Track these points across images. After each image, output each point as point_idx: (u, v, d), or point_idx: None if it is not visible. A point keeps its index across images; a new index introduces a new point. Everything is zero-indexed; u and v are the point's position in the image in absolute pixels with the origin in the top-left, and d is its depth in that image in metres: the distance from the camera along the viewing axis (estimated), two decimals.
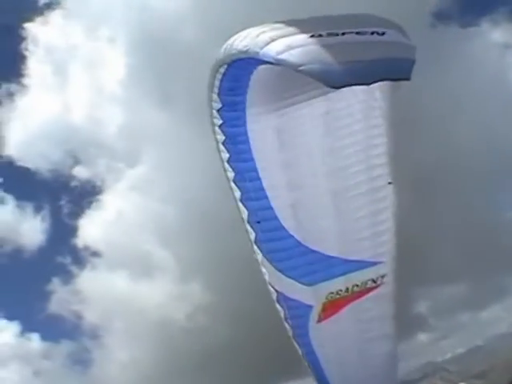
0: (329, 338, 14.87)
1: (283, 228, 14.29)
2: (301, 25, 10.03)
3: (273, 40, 9.56)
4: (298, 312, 14.98)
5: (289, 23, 10.21)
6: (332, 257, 14.35)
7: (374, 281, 14.29)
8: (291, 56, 8.99)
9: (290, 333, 15.28)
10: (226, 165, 14.07)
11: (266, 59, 9.72)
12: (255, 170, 13.87)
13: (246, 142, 13.54)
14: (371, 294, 14.37)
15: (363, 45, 9.40)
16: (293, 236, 14.32)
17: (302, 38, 9.37)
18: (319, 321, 14.55)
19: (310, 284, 14.45)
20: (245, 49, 10.31)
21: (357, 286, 14.21)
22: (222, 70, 12.12)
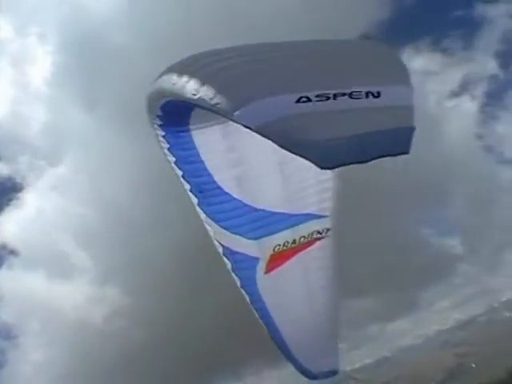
0: (277, 287, 15.58)
1: (227, 194, 14.73)
2: (281, 72, 9.13)
3: (249, 99, 8.38)
4: (245, 264, 15.47)
5: (267, 65, 9.36)
6: (278, 213, 14.88)
7: (319, 232, 15.06)
8: (274, 130, 7.83)
9: (238, 283, 15.89)
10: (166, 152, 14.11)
11: (239, 123, 8.33)
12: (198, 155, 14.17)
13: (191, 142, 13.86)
14: (317, 244, 15.18)
15: (356, 114, 8.46)
16: (236, 199, 14.86)
17: (286, 102, 8.20)
18: (267, 272, 15.32)
19: (256, 238, 15.06)
20: (203, 97, 8.86)
21: (304, 237, 14.92)
22: (162, 102, 11.92)
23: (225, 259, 15.61)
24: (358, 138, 7.77)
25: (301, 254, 15.17)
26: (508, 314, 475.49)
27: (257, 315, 16.19)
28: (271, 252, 15.00)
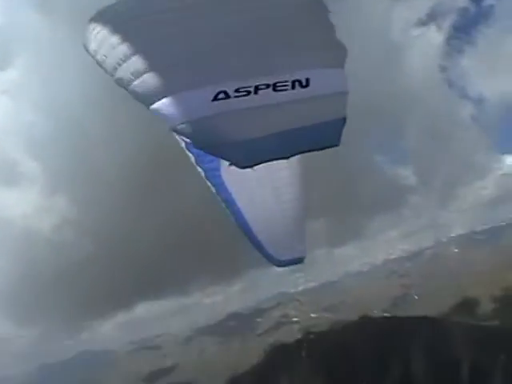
0: (241, 179, 14.94)
1: None
2: (198, 62, 8.33)
3: (164, 96, 7.89)
4: (211, 157, 13.95)
5: (180, 45, 8.69)
6: None
7: None
8: (191, 130, 7.48)
9: (203, 174, 15.42)
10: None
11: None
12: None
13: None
14: None
15: (280, 109, 7.53)
16: None
17: (203, 100, 7.55)
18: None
19: None
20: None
21: None
22: None
23: (187, 153, 14.93)
24: (281, 135, 7.38)
25: None
26: (456, 250, 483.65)
27: (224, 206, 15.72)
28: None
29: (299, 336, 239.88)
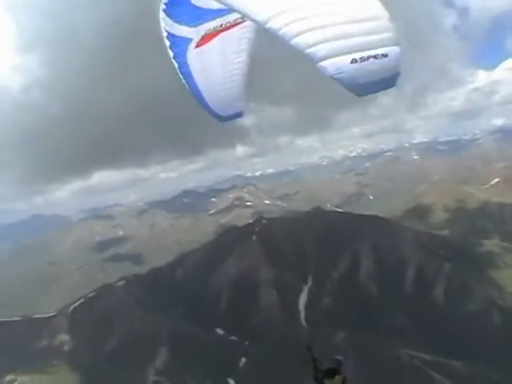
0: (202, 57, 17.77)
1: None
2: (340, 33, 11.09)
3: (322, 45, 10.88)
4: (182, 43, 17.68)
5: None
6: (216, 9, 17.23)
7: (241, 18, 16.69)
8: (346, 74, 10.77)
9: (171, 54, 17.55)
10: None
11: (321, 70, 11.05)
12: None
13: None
14: (239, 26, 17.18)
15: (377, 67, 11.04)
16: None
17: (348, 58, 10.85)
18: (197, 47, 17.61)
19: (195, 26, 17.56)
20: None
21: (229, 22, 17.21)
22: None
23: (166, 41, 17.68)
24: (376, 81, 11.09)
25: (225, 32, 17.63)
26: (416, 157, 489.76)
27: (183, 79, 17.98)
28: (203, 33, 17.55)
29: (251, 220, 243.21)
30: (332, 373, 19.04)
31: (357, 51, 11.43)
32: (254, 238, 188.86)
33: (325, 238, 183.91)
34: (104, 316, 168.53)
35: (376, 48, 11.56)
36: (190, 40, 17.78)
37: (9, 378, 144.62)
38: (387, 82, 11.49)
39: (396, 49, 12.15)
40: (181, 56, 18.03)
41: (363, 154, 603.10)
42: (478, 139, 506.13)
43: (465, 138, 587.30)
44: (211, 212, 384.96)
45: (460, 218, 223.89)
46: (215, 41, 17.77)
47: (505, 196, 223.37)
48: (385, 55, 11.37)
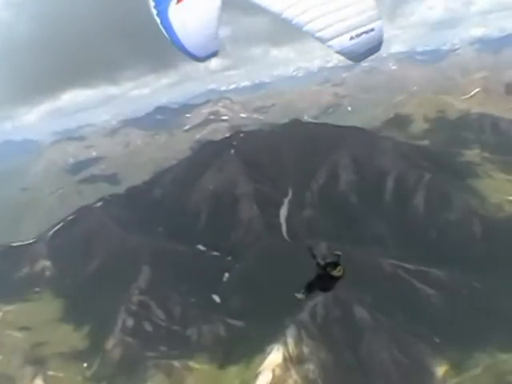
0: (182, 12, 18.26)
1: None
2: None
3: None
4: (165, 1, 18.31)
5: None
6: None
7: None
8: (347, 49, 16.19)
9: (157, 20, 18.54)
10: None
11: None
12: None
13: None
14: None
15: (368, 39, 16.14)
16: None
17: (347, 37, 15.98)
18: (178, 2, 18.14)
19: None
20: None
21: None
22: None
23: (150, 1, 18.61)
24: (367, 50, 16.50)
25: None
26: (393, 67, 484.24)
27: (164, 32, 18.63)
28: None
29: (228, 134, 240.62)
30: (334, 265, 23.06)
31: (353, 30, 15.86)
32: (232, 151, 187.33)
33: (303, 149, 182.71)
34: (84, 238, 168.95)
35: (366, 25, 16.11)
36: None
37: None
38: (375, 48, 16.56)
39: (379, 22, 16.98)
40: (163, 13, 18.79)
41: (340, 64, 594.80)
42: (456, 49, 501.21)
43: (443, 48, 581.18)
44: (186, 128, 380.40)
45: (440, 128, 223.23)
46: None
47: (484, 106, 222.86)
48: (372, 29, 16.06)
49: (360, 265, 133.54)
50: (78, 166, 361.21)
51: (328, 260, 23.50)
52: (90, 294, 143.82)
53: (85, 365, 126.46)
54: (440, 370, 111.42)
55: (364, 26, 16.36)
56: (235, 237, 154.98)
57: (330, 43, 16.16)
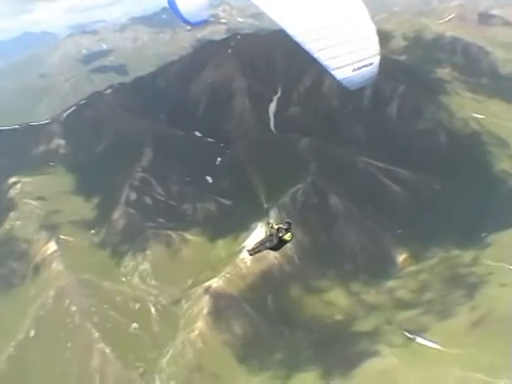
0: None
1: None
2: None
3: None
4: None
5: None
6: None
7: None
8: (348, 79, 16.80)
9: None
10: None
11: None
12: None
13: None
14: None
15: (366, 72, 16.73)
16: None
17: (350, 68, 16.53)
18: None
19: None
20: None
21: None
22: None
23: None
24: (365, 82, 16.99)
25: None
26: None
27: None
28: None
29: (226, 36, 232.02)
30: (285, 230, 24.52)
31: (355, 63, 16.18)
32: (229, 51, 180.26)
33: (293, 54, 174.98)
34: (94, 121, 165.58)
35: (367, 59, 16.78)
36: None
37: (13, 179, 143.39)
38: (370, 80, 17.11)
39: (378, 58, 17.37)
40: None
41: None
42: None
43: None
44: (188, 28, 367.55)
45: (416, 46, 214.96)
46: None
47: (457, 31, 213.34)
48: (371, 64, 16.84)
49: (337, 160, 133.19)
50: (90, 57, 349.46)
51: (281, 225, 24.71)
52: (98, 169, 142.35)
53: (92, 231, 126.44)
54: (400, 258, 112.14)
55: (365, 59, 16.79)
56: (228, 126, 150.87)
57: (334, 72, 16.33)
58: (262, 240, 25.68)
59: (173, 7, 18.48)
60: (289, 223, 24.69)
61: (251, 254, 26.14)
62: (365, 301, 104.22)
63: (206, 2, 18.78)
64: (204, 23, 19.49)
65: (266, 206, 27.18)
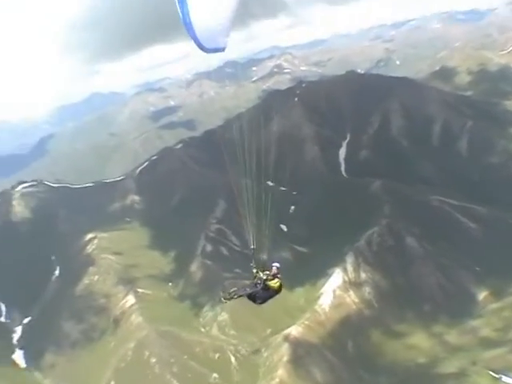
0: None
1: None
2: None
3: None
4: None
5: None
6: None
7: None
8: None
9: None
10: None
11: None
12: None
13: None
14: None
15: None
16: None
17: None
18: None
19: None
20: None
21: None
22: None
23: None
24: None
25: None
26: (437, 25, 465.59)
27: (178, 8, 17.41)
28: None
29: (292, 84, 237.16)
30: (273, 276, 20.72)
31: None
32: (296, 99, 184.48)
33: (359, 98, 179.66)
34: (167, 175, 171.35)
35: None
36: None
37: (90, 235, 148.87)
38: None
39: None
40: None
41: (388, 23, 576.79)
42: (494, 9, 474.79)
43: (482, 8, 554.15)
44: (253, 79, 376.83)
45: (481, 80, 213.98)
46: None
47: None
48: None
49: (410, 200, 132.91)
50: (159, 114, 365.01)
51: (267, 272, 20.75)
52: (174, 223, 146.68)
53: (170, 284, 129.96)
54: (481, 296, 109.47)
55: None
56: (300, 174, 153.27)
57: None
58: (244, 284, 21.55)
59: (188, 28, 17.91)
60: (277, 267, 21.30)
61: (225, 299, 20.61)
62: (447, 342, 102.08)
63: (226, 29, 18.18)
64: (220, 51, 18.56)
65: (252, 247, 21.56)
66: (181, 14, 17.50)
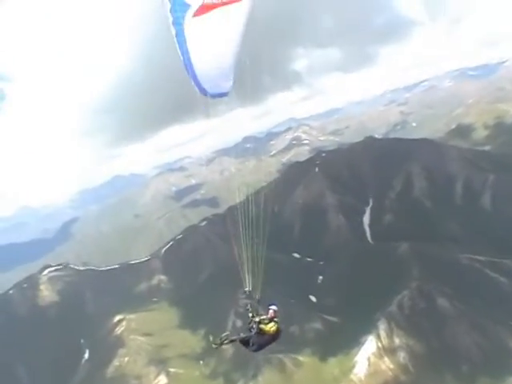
0: (199, 27, 18.08)
1: None
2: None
3: None
4: (179, 8, 17.74)
5: None
6: None
7: None
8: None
9: (170, 20, 17.80)
10: None
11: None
12: None
13: None
14: (236, 3, 17.59)
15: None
16: None
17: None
18: (195, 15, 17.60)
19: None
20: None
21: None
22: None
23: (167, 3, 17.65)
24: None
25: (222, 8, 17.73)
26: (449, 84, 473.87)
27: (178, 48, 18.21)
28: (201, 3, 17.61)
29: (311, 155, 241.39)
30: (269, 320, 19.74)
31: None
32: (316, 169, 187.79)
33: (379, 162, 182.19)
34: (193, 253, 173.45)
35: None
36: (188, 6, 17.91)
37: (118, 318, 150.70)
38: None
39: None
40: (178, 23, 18.17)
41: (401, 86, 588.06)
42: (504, 62, 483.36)
43: (492, 62, 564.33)
44: (272, 153, 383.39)
45: (499, 133, 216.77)
46: (212, 14, 17.99)
47: None
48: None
49: (439, 261, 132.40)
50: (181, 193, 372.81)
51: (262, 316, 20.00)
52: (202, 300, 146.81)
53: (201, 362, 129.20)
54: None
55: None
56: (325, 244, 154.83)
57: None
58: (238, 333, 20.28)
59: (190, 72, 18.21)
60: (274, 310, 20.05)
61: (215, 344, 19.51)
62: None
63: (228, 74, 18.41)
64: (223, 96, 18.74)
65: (246, 288, 21.38)
66: (181, 53, 18.16)
